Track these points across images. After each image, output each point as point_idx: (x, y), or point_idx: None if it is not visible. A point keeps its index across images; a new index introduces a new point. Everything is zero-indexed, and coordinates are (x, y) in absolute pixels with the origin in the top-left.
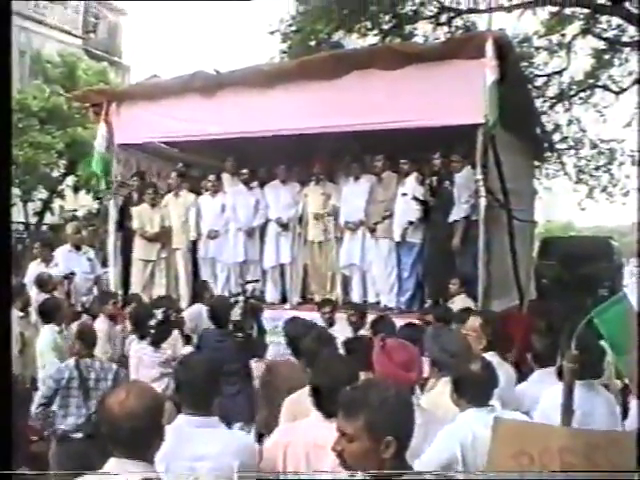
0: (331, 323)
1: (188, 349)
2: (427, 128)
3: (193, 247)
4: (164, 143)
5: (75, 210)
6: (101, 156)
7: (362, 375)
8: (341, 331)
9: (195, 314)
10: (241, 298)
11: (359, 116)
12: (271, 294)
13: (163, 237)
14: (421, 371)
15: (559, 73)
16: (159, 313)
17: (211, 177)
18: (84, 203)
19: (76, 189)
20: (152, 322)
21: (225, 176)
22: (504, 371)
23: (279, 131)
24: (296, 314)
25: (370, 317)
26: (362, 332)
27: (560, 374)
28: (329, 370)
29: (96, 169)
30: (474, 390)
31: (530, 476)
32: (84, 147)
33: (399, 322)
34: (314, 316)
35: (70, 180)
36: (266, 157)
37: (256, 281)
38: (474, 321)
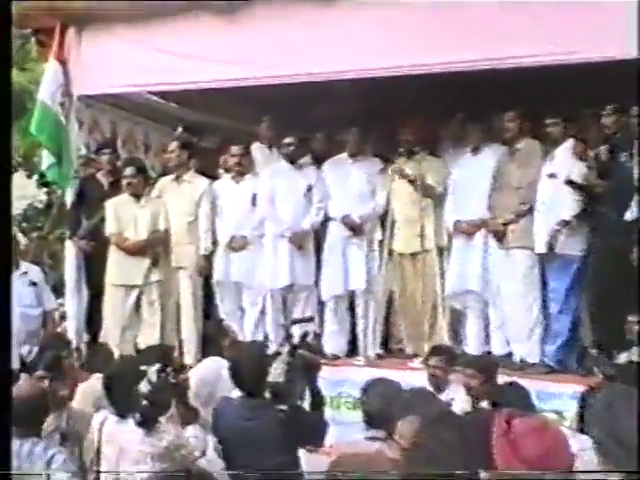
0: (439, 387)
1: (195, 432)
2: (589, 65)
3: (206, 265)
4: (154, 94)
5: None
6: (49, 114)
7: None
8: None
9: (209, 374)
10: (285, 348)
11: (478, 48)
12: (334, 341)
13: (155, 248)
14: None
15: None
16: (151, 373)
17: (235, 149)
18: (22, 193)
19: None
20: (141, 389)
21: (257, 147)
22: None
23: (345, 73)
24: (377, 374)
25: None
26: (484, 403)
27: None
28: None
29: (40, 136)
30: None
31: (527, 476)
32: (20, 100)
33: (545, 386)
34: (406, 377)
35: None
36: (325, 115)
37: (309, 320)
38: None
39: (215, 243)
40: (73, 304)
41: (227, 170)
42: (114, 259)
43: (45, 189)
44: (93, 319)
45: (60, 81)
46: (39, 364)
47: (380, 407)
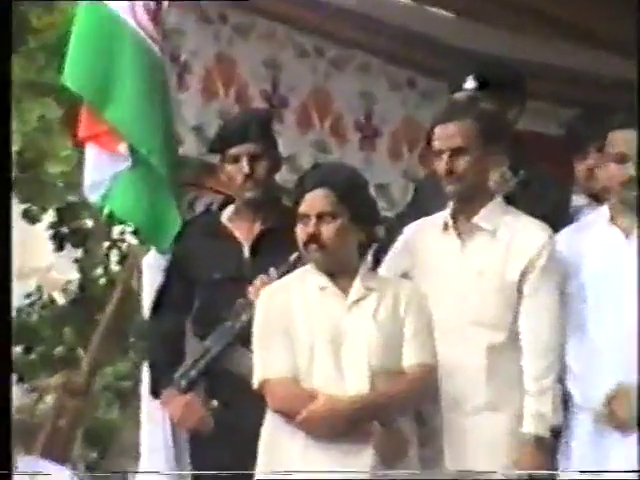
0: None
1: None
2: None
3: (543, 461)
4: None
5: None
6: (120, 38)
7: None
8: None
9: None
10: None
11: None
12: None
13: (393, 423)
14: None
15: None
16: None
17: (620, 139)
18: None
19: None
20: None
21: None
22: None
23: None
24: None
25: None
26: None
27: None
28: None
29: (90, 94)
30: None
31: (525, 476)
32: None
33: None
34: None
35: None
36: None
37: None
38: None
39: (569, 402)
40: None
41: (596, 198)
42: (280, 449)
43: (79, 251)
44: None
45: None
46: None
47: None
